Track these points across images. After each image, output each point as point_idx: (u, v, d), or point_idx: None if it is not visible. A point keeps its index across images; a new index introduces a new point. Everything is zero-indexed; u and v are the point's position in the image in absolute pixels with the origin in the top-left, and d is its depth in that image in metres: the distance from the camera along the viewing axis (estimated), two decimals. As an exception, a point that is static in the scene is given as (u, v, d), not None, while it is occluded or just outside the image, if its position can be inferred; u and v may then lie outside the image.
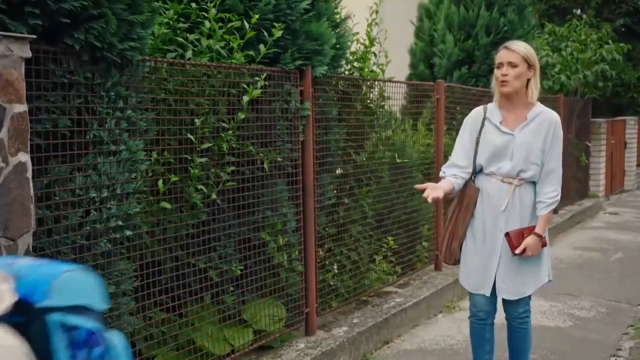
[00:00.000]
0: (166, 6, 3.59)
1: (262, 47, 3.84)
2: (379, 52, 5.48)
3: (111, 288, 3.04)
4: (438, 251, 3.63)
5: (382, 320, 4.77)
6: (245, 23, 3.75)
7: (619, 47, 11.88)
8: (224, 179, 3.68)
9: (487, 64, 8.01)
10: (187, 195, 3.52)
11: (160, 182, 3.32)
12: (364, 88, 5.25)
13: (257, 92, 3.72)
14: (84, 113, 2.88)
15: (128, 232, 3.09)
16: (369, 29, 5.35)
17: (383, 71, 5.50)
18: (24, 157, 2.44)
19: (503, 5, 8.10)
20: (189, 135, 3.47)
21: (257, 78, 3.79)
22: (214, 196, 3.63)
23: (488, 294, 3.54)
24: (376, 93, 5.36)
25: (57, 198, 2.78)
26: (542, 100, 9.23)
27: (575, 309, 5.74)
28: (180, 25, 3.64)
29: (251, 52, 3.85)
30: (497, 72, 3.41)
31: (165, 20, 3.55)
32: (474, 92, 7.19)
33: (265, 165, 3.95)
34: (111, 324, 3.04)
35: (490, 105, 3.54)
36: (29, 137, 2.49)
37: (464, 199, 3.53)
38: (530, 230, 3.41)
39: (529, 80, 3.38)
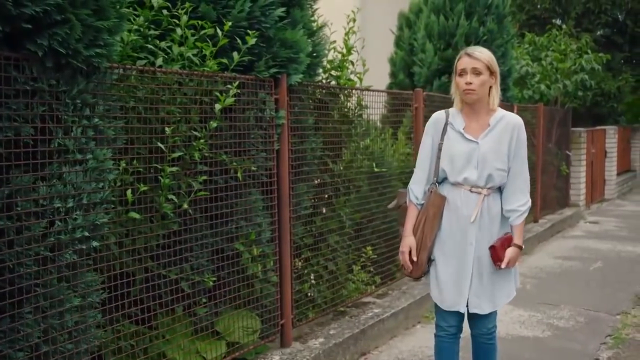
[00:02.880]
0: (136, 13, 3.53)
1: (235, 54, 3.79)
2: (357, 60, 5.44)
3: (77, 300, 2.95)
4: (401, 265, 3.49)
5: (359, 331, 4.71)
6: (218, 30, 3.69)
7: (598, 57, 11.96)
8: (195, 189, 3.61)
9: (466, 73, 8.00)
10: (157, 205, 3.44)
11: (129, 192, 3.24)
12: (342, 97, 5.20)
13: (229, 101, 3.66)
14: (48, 121, 2.80)
15: (95, 243, 3.01)
16: (346, 37, 5.31)
17: (361, 80, 5.46)
18: (-18, 166, 2.36)
19: (482, 15, 8.11)
20: (160, 144, 3.40)
21: (229, 86, 3.73)
22: (185, 206, 3.56)
23: (464, 310, 3.42)
24: (354, 102, 5.31)
25: (19, 208, 2.69)
26: (522, 109, 9.31)
27: (554, 318, 5.71)
28: (151, 32, 3.58)
29: (224, 60, 3.79)
30: (459, 80, 3.30)
31: (135, 27, 3.48)
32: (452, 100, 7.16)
33: (239, 175, 3.88)
34: (76, 338, 2.95)
35: (452, 110, 3.42)
36: (-13, 145, 2.41)
37: (430, 208, 3.39)
38: (509, 240, 3.33)
39: (491, 87, 3.31)
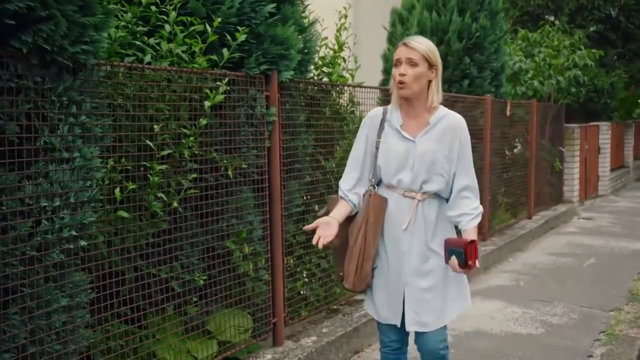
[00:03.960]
0: (124, 9, 3.49)
1: (225, 51, 3.75)
2: (349, 57, 5.41)
3: (64, 301, 2.92)
4: (337, 277, 3.17)
5: (352, 329, 4.69)
6: (208, 27, 3.65)
7: (591, 53, 11.97)
8: (185, 187, 3.57)
9: (459, 70, 7.99)
10: (146, 204, 3.41)
11: (117, 190, 3.20)
12: (334, 93, 5.17)
13: (219, 98, 3.63)
14: (33, 119, 2.76)
15: (83, 243, 2.97)
16: (338, 34, 5.28)
17: (353, 76, 5.43)
18: (-35, 165, 2.32)
19: (475, 11, 8.08)
20: (148, 142, 3.36)
21: (219, 83, 3.70)
22: (175, 204, 3.52)
23: (399, 324, 3.08)
24: (346, 98, 5.28)
25: (4, 207, 2.65)
26: (516, 106, 9.30)
27: (547, 315, 5.70)
28: (140, 28, 3.53)
29: (214, 57, 3.75)
30: (394, 70, 2.94)
31: (123, 23, 3.44)
32: (447, 97, 7.15)
33: (230, 172, 3.85)
34: (64, 338, 2.92)
35: (389, 107, 3.09)
36: (-30, 144, 2.37)
37: (370, 212, 3.01)
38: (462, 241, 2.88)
39: (430, 82, 2.95)
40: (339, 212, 3.02)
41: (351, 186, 3.07)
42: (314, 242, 2.84)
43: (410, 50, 2.90)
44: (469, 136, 3.02)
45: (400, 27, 8.57)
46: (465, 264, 2.80)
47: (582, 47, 12.10)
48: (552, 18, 15.73)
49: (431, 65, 2.93)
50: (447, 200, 3.03)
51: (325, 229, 2.89)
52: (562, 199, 11.83)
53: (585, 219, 11.27)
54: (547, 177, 10.92)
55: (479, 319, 5.53)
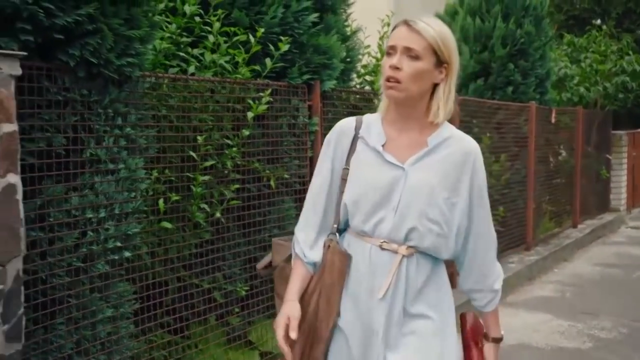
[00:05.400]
0: (168, 20, 3.51)
1: (268, 61, 3.75)
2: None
3: (109, 311, 2.94)
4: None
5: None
6: (251, 37, 3.66)
7: (640, 58, 11.69)
8: (228, 197, 3.58)
9: (503, 76, 7.87)
10: (189, 214, 3.42)
11: (161, 201, 3.22)
12: (376, 102, 5.13)
13: (262, 108, 3.63)
14: (80, 131, 2.79)
15: (127, 253, 3.00)
16: (380, 42, 5.25)
17: (395, 84, 5.38)
18: (14, 179, 2.35)
19: (520, 17, 7.95)
20: (192, 153, 3.38)
21: (261, 94, 3.70)
22: (218, 215, 3.53)
23: None
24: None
25: (52, 219, 2.69)
26: (561, 113, 9.13)
27: (595, 329, 5.55)
28: (184, 39, 3.56)
29: (257, 67, 3.75)
30: (385, 61, 1.96)
31: (168, 34, 3.47)
32: (489, 105, 7.06)
33: (272, 183, 3.84)
34: (109, 349, 2.94)
35: (368, 118, 2.07)
36: (19, 157, 2.41)
37: (326, 274, 2.02)
38: (479, 332, 2.13)
39: (436, 85, 1.97)
40: (296, 287, 2.04)
41: (312, 239, 2.07)
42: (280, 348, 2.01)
43: (413, 34, 1.90)
44: (484, 170, 2.05)
45: (442, 33, 8.48)
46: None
47: (631, 52, 11.83)
48: (598, 22, 15.41)
49: (440, 62, 1.94)
50: (448, 261, 2.08)
51: (289, 329, 1.96)
52: (609, 208, 11.55)
53: (633, 227, 10.98)
54: (593, 184, 10.69)
55: (523, 332, 5.42)
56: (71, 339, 2.78)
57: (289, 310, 1.99)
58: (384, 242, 1.96)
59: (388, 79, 1.92)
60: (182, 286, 3.45)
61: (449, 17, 8.48)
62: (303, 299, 2.03)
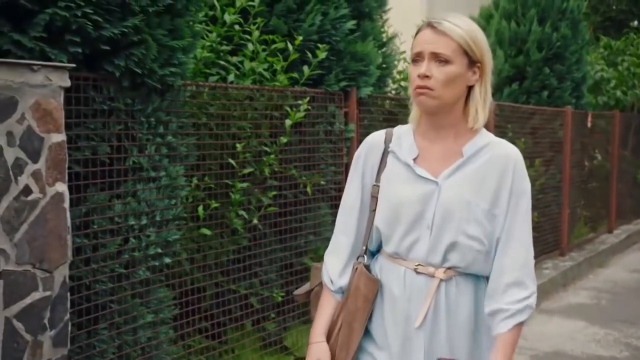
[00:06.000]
0: (209, 29, 3.56)
1: (306, 68, 3.77)
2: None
3: (150, 317, 2.99)
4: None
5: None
6: (289, 45, 3.68)
7: (678, 60, 11.47)
8: (265, 204, 3.61)
9: (539, 80, 7.80)
10: (227, 221, 3.46)
11: (200, 208, 3.27)
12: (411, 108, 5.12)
13: (299, 116, 3.65)
14: (123, 139, 2.85)
15: (167, 260, 3.05)
16: (416, 47, 5.23)
17: (431, 90, 5.37)
18: (62, 187, 2.41)
19: (556, 20, 7.86)
20: (230, 160, 3.42)
21: (300, 102, 3.72)
22: (255, 221, 3.56)
23: None
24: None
25: (96, 226, 2.74)
26: (597, 117, 9.01)
27: (632, 337, 5.47)
28: (223, 48, 3.60)
29: (295, 74, 3.78)
30: (412, 70, 1.80)
31: (208, 43, 3.51)
32: (523, 110, 7.00)
33: (308, 189, 3.87)
34: (149, 354, 2.99)
35: (398, 130, 1.94)
36: (66, 166, 2.46)
37: (350, 300, 1.87)
38: None
39: (471, 87, 1.81)
40: (323, 323, 1.91)
41: (343, 264, 1.92)
42: None
43: (440, 36, 1.74)
44: (528, 180, 1.86)
45: (477, 36, 8.42)
46: None
47: (669, 54, 11.62)
48: (635, 24, 15.17)
49: (473, 62, 1.78)
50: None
51: None
52: (645, 213, 11.36)
53: (669, 233, 10.79)
54: (630, 189, 10.53)
55: (559, 339, 5.36)
56: (113, 344, 2.84)
57: (319, 354, 1.87)
58: (419, 265, 1.81)
59: (418, 88, 1.76)
60: (219, 292, 3.49)
61: (484, 20, 8.42)
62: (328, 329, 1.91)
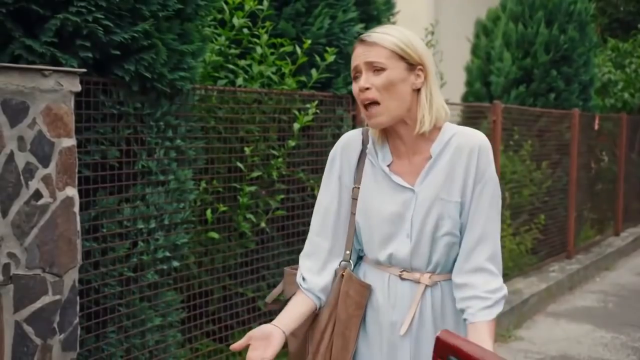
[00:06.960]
0: (217, 32, 3.56)
1: (314, 72, 3.78)
2: (435, 73, 5.35)
3: (158, 320, 2.99)
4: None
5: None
6: (297, 48, 3.69)
7: (686, 63, 11.42)
8: (273, 207, 3.61)
9: (546, 83, 7.78)
10: (235, 224, 3.46)
11: (208, 212, 3.27)
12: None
13: (307, 119, 3.66)
14: (132, 143, 2.86)
15: (175, 263, 3.05)
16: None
17: (438, 93, 5.37)
18: (71, 192, 2.42)
19: (564, 22, 7.85)
20: (239, 164, 3.42)
21: (308, 105, 3.73)
22: (263, 224, 3.57)
23: None
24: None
25: (105, 230, 2.75)
26: (604, 119, 8.98)
27: (639, 341, 5.46)
28: (232, 51, 3.60)
29: (303, 78, 3.78)
30: (354, 87, 1.78)
31: (217, 46, 3.52)
32: (530, 112, 6.99)
33: (316, 192, 3.87)
34: (157, 357, 3.00)
35: (374, 132, 1.85)
36: (76, 170, 2.47)
37: (340, 307, 1.81)
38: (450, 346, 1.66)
39: (417, 91, 1.77)
40: (292, 315, 1.78)
41: (319, 267, 1.83)
42: None
43: (371, 47, 1.73)
44: (493, 166, 1.81)
45: (484, 38, 8.44)
46: None
47: (677, 56, 11.57)
48: (642, 26, 15.11)
49: (412, 66, 1.75)
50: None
51: (261, 347, 1.68)
52: (652, 215, 11.32)
53: (676, 236, 10.75)
54: (637, 191, 10.49)
55: (566, 343, 5.35)
56: (121, 347, 2.84)
57: (260, 330, 1.72)
58: (404, 271, 1.78)
59: (365, 106, 1.74)
60: (227, 295, 3.50)
61: (491, 22, 8.43)
62: (313, 335, 1.83)
